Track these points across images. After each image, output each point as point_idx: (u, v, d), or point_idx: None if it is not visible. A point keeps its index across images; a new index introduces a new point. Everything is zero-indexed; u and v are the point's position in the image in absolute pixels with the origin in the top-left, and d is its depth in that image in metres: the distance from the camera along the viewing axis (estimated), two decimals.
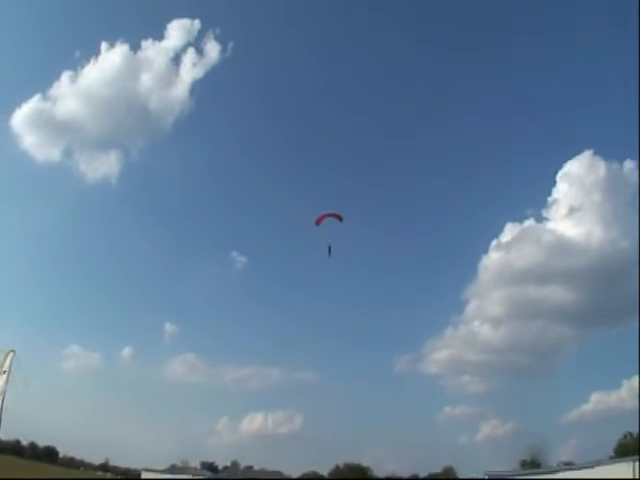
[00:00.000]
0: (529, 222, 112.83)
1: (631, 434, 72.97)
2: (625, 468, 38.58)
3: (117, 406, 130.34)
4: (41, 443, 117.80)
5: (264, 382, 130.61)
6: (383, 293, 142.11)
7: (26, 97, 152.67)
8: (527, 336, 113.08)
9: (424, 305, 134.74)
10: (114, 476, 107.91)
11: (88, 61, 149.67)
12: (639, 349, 61.15)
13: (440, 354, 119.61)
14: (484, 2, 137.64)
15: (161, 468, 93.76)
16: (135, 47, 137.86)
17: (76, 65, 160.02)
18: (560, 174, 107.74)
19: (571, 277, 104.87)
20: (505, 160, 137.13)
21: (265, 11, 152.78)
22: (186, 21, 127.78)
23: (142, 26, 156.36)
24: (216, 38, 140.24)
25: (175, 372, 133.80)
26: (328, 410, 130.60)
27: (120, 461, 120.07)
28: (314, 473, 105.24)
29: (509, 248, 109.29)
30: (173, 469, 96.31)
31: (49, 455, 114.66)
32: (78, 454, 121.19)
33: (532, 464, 72.03)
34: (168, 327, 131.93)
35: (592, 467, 43.22)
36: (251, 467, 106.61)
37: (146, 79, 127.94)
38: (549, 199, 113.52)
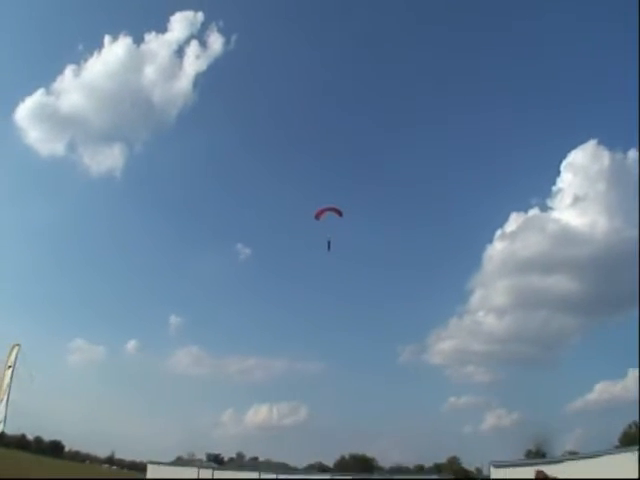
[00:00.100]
0: (534, 211, 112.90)
1: (636, 424, 73.04)
2: (630, 458, 38.51)
3: (122, 399, 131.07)
4: (47, 437, 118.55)
5: (268, 373, 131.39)
6: (387, 284, 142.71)
7: (30, 91, 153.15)
8: (532, 326, 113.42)
9: (428, 296, 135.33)
10: (120, 469, 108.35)
11: (91, 55, 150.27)
12: (639, 339, 61.16)
13: (445, 344, 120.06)
14: None
15: (167, 460, 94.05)
16: (138, 40, 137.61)
17: (79, 59, 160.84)
18: (564, 164, 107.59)
19: (575, 267, 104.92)
20: (509, 150, 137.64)
21: (268, 3, 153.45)
22: (189, 13, 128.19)
23: (145, 19, 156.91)
24: (219, 30, 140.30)
25: (180, 364, 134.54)
26: (333, 401, 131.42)
27: (126, 454, 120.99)
28: (319, 464, 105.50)
29: (514, 238, 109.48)
30: (179, 461, 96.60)
31: (54, 449, 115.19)
32: (84, 448, 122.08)
33: (537, 454, 72.17)
34: (173, 319, 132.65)
35: (597, 457, 43.20)
36: (256, 458, 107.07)
37: (149, 72, 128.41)
38: (553, 189, 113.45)
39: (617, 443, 67.90)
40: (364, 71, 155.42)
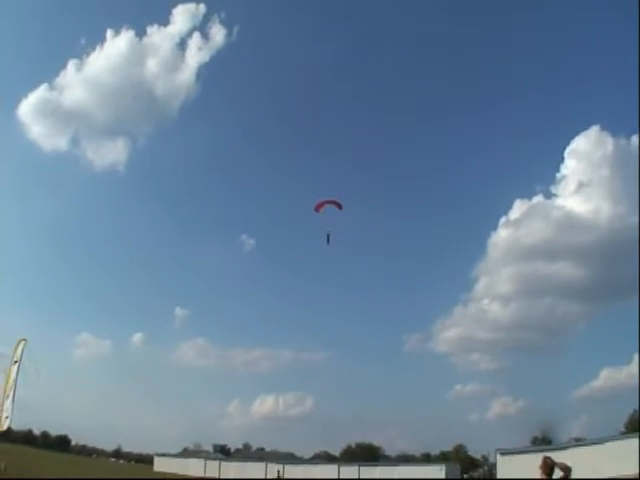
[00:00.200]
0: (538, 198, 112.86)
1: None
2: (636, 444, 38.49)
3: (128, 392, 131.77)
4: (53, 432, 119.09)
5: (274, 364, 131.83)
6: (392, 273, 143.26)
7: (32, 87, 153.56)
8: (536, 313, 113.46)
9: (433, 284, 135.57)
10: (127, 462, 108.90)
11: (94, 49, 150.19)
12: (639, 327, 61.00)
13: (450, 332, 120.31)
14: None
15: (174, 452, 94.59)
16: (140, 33, 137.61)
17: (82, 53, 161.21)
18: (568, 150, 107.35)
19: (580, 253, 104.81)
20: (513, 137, 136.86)
21: None
22: (191, 5, 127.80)
23: (147, 12, 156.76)
24: (221, 22, 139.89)
25: (185, 356, 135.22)
26: (338, 390, 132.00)
27: (133, 447, 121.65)
28: (326, 453, 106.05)
29: (518, 225, 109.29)
30: (185, 453, 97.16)
31: (61, 443, 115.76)
32: (90, 442, 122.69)
33: (543, 441, 72.32)
34: (178, 312, 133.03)
35: (603, 443, 43.19)
36: (263, 449, 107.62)
37: (152, 65, 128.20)
38: (557, 175, 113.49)
39: (623, 429, 67.97)
40: (366, 63, 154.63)
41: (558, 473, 7.40)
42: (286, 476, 49.20)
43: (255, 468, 75.09)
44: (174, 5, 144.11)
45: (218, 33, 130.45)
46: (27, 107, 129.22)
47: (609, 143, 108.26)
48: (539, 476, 7.48)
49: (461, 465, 75.48)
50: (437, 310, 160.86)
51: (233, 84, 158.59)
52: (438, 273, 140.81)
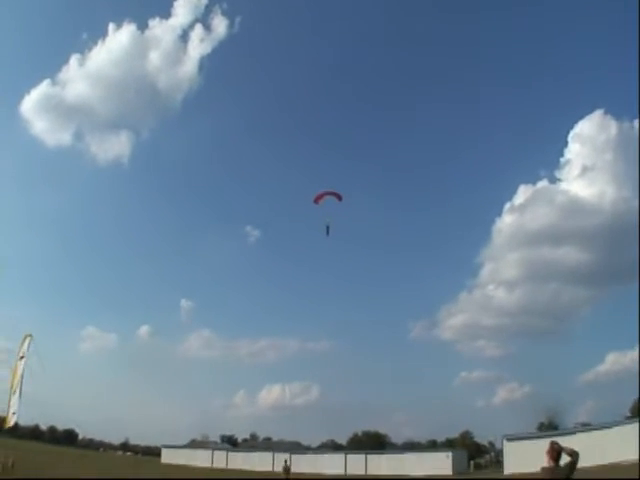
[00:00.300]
0: (542, 183, 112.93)
1: None
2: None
3: (135, 385, 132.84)
4: (60, 426, 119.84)
5: (280, 354, 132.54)
6: (396, 261, 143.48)
7: (35, 83, 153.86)
8: (542, 298, 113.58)
9: (438, 271, 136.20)
10: (134, 455, 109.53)
11: (96, 43, 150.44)
12: (639, 311, 60.93)
13: (455, 319, 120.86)
14: None
15: (181, 444, 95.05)
16: (142, 26, 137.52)
17: (84, 48, 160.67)
18: (572, 134, 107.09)
19: (585, 237, 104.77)
20: (517, 123, 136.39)
21: None
22: None
23: (149, 5, 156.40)
24: (223, 13, 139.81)
25: (192, 348, 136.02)
26: (344, 379, 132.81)
27: (140, 439, 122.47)
28: (332, 442, 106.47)
29: (523, 210, 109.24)
30: (193, 444, 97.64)
31: (68, 438, 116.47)
32: (98, 435, 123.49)
33: (549, 426, 72.37)
34: (184, 304, 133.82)
35: (611, 427, 43.27)
36: (270, 439, 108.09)
37: (154, 58, 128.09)
38: (561, 160, 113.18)
39: (628, 414, 67.99)
40: (368, 55, 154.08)
41: (565, 458, 7.37)
42: (293, 465, 49.26)
43: (262, 458, 75.57)
44: None
45: (220, 24, 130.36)
46: (30, 103, 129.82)
47: (613, 127, 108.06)
48: (546, 461, 7.45)
49: (467, 451, 75.76)
50: (442, 297, 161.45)
51: (235, 75, 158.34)
52: (443, 260, 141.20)
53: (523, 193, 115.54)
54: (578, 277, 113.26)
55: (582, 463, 7.46)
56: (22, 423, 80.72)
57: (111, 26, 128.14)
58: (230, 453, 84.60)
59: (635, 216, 78.14)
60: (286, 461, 45.23)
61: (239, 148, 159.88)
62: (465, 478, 59.51)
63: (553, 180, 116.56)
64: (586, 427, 51.43)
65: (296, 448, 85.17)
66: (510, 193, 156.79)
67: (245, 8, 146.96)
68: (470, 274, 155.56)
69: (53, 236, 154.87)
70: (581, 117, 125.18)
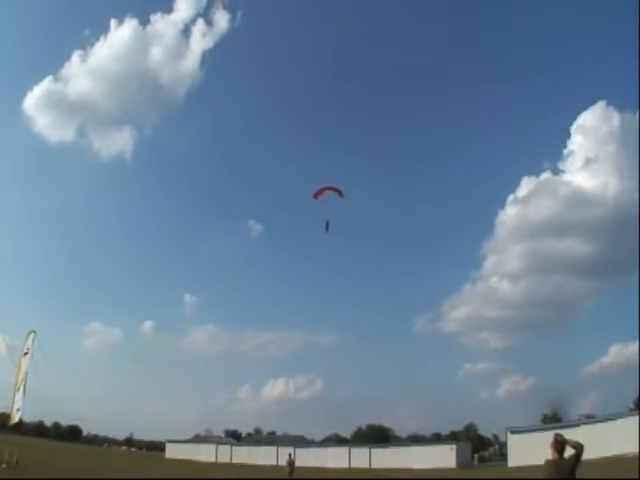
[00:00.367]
0: (545, 175, 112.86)
1: None
2: None
3: (139, 380, 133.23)
4: (64, 422, 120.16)
5: (284, 348, 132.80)
6: (400, 254, 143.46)
7: (37, 79, 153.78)
8: (545, 290, 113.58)
9: (442, 264, 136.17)
10: (139, 450, 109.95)
11: (98, 39, 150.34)
12: (639, 304, 60.80)
13: (459, 311, 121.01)
14: None
15: (185, 438, 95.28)
16: (144, 22, 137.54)
17: (86, 44, 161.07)
18: (575, 126, 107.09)
19: (588, 229, 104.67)
20: (519, 115, 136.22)
21: None
22: None
23: (150, 0, 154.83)
24: (225, 7, 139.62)
25: (196, 343, 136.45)
26: (348, 372, 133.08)
27: (144, 434, 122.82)
28: (336, 436, 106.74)
29: (526, 202, 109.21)
30: (197, 439, 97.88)
31: (73, 433, 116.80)
32: (102, 431, 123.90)
33: (553, 418, 72.45)
34: (188, 298, 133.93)
35: (615, 419, 43.28)
36: (274, 433, 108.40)
37: (156, 53, 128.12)
38: (564, 151, 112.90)
39: (632, 406, 67.92)
40: (369, 51, 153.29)
41: (570, 451, 7.34)
42: (297, 459, 49.23)
43: (266, 452, 75.76)
44: None
45: (222, 19, 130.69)
46: (32, 100, 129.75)
47: (615, 118, 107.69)
48: (550, 454, 7.42)
49: (472, 444, 75.86)
50: (446, 290, 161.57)
51: (237, 70, 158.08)
52: (446, 253, 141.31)
53: (526, 185, 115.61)
54: (581, 269, 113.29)
55: (586, 455, 7.42)
56: (26, 419, 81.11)
57: (113, 22, 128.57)
58: (234, 447, 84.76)
59: (638, 207, 78.13)
60: (290, 455, 45.20)
61: (241, 143, 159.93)
62: (464, 478, 59.43)
63: (556, 172, 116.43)
64: (590, 419, 51.47)
65: (300, 442, 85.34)
66: (513, 185, 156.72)
67: (246, 2, 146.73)
68: (474, 266, 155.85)
69: (56, 232, 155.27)
70: (584, 109, 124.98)
